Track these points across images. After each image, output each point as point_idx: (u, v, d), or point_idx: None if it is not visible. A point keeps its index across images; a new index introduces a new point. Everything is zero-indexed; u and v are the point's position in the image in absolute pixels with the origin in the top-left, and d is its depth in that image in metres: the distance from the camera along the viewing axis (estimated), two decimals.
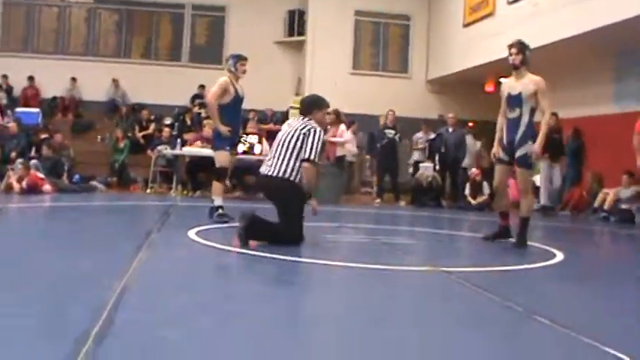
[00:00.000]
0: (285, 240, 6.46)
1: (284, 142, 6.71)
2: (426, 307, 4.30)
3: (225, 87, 8.85)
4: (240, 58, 9.11)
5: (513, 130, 7.69)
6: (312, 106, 6.99)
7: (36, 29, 20.61)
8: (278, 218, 6.66)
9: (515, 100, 7.72)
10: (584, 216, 14.40)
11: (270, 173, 6.67)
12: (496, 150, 7.85)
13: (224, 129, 8.67)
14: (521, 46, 7.81)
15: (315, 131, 6.67)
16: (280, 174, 6.59)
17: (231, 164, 9.18)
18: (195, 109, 18.86)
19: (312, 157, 6.57)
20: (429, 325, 3.80)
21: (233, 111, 8.92)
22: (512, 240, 7.76)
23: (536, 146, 7.51)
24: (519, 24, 15.65)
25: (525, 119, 7.63)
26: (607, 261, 8.09)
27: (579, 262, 7.13)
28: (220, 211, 8.72)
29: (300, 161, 6.58)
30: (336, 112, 15.16)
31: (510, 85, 7.87)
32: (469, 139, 16.70)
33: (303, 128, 6.69)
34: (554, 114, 13.14)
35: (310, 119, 6.83)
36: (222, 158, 8.86)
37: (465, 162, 16.25)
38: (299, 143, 6.62)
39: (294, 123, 6.87)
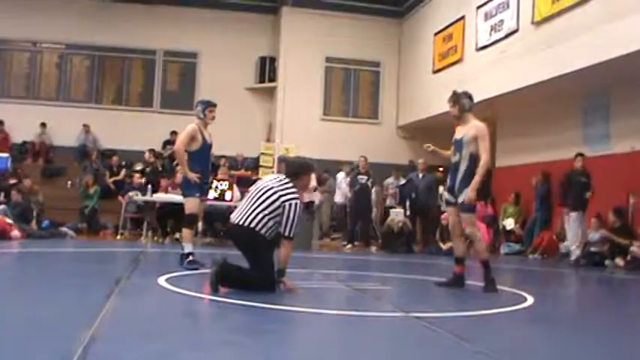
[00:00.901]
0: (258, 287, 6.41)
1: (259, 195, 6.62)
2: (398, 354, 4.28)
3: (192, 134, 8.86)
4: (209, 105, 9.13)
5: (454, 174, 7.89)
6: (300, 170, 6.91)
7: (7, 74, 20.57)
8: (249, 266, 6.62)
9: (457, 145, 7.93)
10: (554, 259, 14.49)
11: (238, 222, 6.61)
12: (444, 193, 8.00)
13: (192, 176, 8.67)
14: (455, 97, 8.01)
15: (294, 205, 6.53)
16: (247, 223, 6.51)
17: (200, 211, 9.17)
18: (165, 153, 18.85)
19: (290, 234, 6.51)
20: None
21: (202, 158, 8.93)
22: (481, 284, 7.80)
23: (469, 190, 7.59)
24: (488, 70, 15.92)
25: (464, 164, 7.77)
26: (577, 305, 8.13)
27: (549, 306, 7.16)
28: (191, 257, 8.66)
29: (269, 219, 6.50)
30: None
31: (457, 130, 8.06)
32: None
33: (284, 196, 6.55)
34: (580, 154, 13.31)
35: (294, 185, 6.69)
36: (191, 205, 8.84)
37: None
38: (274, 206, 6.51)
39: (276, 182, 6.70)
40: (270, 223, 6.53)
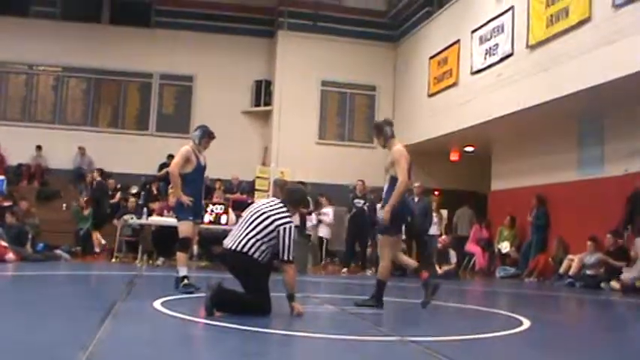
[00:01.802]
0: (253, 310, 6.39)
1: (252, 219, 6.62)
2: None
3: (187, 156, 8.85)
4: (208, 135, 9.12)
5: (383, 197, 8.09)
6: (299, 202, 7.22)
7: (3, 96, 20.60)
8: (244, 290, 6.60)
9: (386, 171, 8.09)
10: (550, 282, 14.50)
11: (231, 247, 6.59)
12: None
13: (185, 199, 8.65)
14: (378, 129, 8.13)
15: (288, 229, 6.54)
16: (241, 248, 6.50)
17: (194, 234, 9.15)
18: (159, 173, 18.88)
19: (290, 257, 6.51)
20: None
21: (196, 180, 8.92)
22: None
23: (384, 212, 7.77)
24: (483, 93, 15.99)
25: (386, 187, 7.98)
26: (573, 328, 8.11)
27: (545, 330, 7.14)
28: (186, 281, 8.63)
29: (262, 244, 6.50)
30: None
31: None
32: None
33: (278, 220, 6.55)
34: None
35: (288, 210, 6.72)
36: (185, 228, 8.82)
37: (432, 230, 16.33)
38: (268, 230, 6.51)
39: (269, 207, 6.71)
40: (264, 247, 6.53)
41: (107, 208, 17.87)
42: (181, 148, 9.09)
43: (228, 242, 6.68)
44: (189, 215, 8.78)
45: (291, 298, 6.61)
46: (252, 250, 6.50)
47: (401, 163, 7.85)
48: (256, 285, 6.53)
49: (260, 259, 6.53)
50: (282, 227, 6.52)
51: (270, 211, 6.63)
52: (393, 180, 7.84)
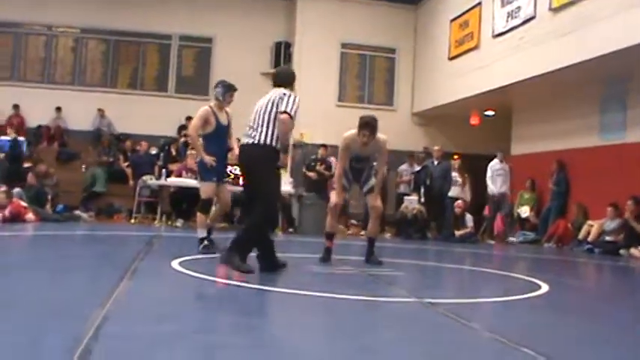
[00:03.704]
0: (258, 225, 6.51)
1: (262, 112, 6.70)
2: (411, 339, 4.25)
3: (205, 117, 8.75)
4: (230, 89, 8.99)
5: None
6: (289, 78, 7.09)
7: (22, 58, 20.57)
8: (254, 197, 6.66)
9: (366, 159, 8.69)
10: (569, 248, 14.43)
11: (250, 142, 6.68)
12: None
13: (208, 159, 8.59)
14: (372, 128, 8.28)
15: (291, 95, 6.64)
16: (258, 141, 6.59)
17: (226, 196, 9.07)
18: (182, 140, 18.87)
19: (289, 110, 6.51)
20: (414, 356, 3.76)
21: (217, 140, 8.80)
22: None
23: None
24: (504, 57, 15.80)
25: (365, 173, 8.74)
26: (591, 292, 8.08)
27: (564, 294, 7.11)
28: (206, 242, 8.65)
29: (274, 127, 6.59)
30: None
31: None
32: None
33: (279, 96, 6.67)
34: None
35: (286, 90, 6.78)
36: (207, 189, 8.77)
37: (451, 193, 16.29)
38: (274, 109, 6.60)
39: (271, 94, 6.80)
40: (273, 130, 6.61)
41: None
42: (200, 109, 9.02)
43: (245, 139, 6.80)
44: (213, 176, 8.71)
45: (283, 150, 6.66)
46: (269, 138, 6.58)
47: (386, 154, 8.61)
48: (266, 186, 6.57)
49: (271, 143, 6.59)
50: (285, 94, 6.65)
51: (276, 95, 6.73)
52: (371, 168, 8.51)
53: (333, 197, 8.46)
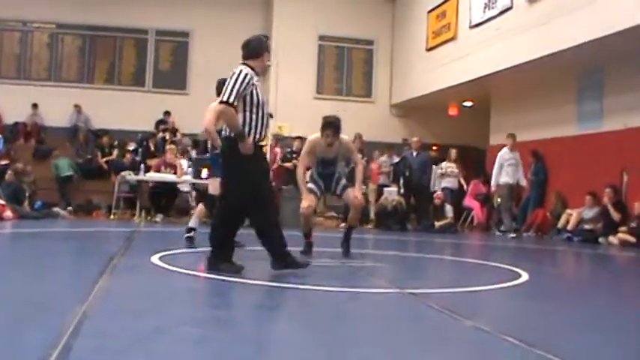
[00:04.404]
0: (221, 217, 6.26)
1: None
2: (393, 329, 4.25)
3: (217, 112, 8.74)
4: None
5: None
6: (257, 48, 6.43)
7: None
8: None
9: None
10: (548, 237, 14.52)
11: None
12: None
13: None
14: (336, 129, 8.32)
15: (234, 74, 6.00)
16: (223, 134, 6.20)
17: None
18: (160, 135, 18.79)
19: (224, 97, 5.88)
20: (396, 346, 3.75)
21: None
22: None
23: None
24: (481, 48, 15.86)
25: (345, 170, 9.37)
26: (570, 280, 8.14)
27: (544, 282, 7.16)
28: (192, 234, 8.65)
29: (244, 113, 6.03)
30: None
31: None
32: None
33: (232, 72, 6.07)
34: None
35: (249, 65, 6.19)
36: (217, 186, 8.77)
37: (448, 184, 16.54)
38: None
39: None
40: (242, 115, 6.05)
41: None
42: (210, 104, 8.97)
43: None
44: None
45: (240, 138, 5.94)
46: (224, 128, 6.17)
47: (356, 152, 8.91)
48: (232, 179, 6.16)
49: (229, 132, 6.07)
50: (232, 73, 6.02)
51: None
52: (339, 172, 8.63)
53: (303, 202, 8.26)
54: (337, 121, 8.27)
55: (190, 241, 8.56)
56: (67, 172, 16.96)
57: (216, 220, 6.35)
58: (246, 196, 6.06)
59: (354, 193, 8.40)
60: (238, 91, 5.90)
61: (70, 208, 15.75)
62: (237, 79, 5.93)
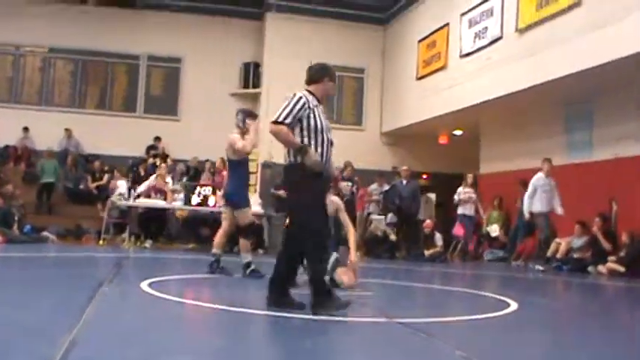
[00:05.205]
0: (313, 257, 5.81)
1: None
2: (383, 359, 4.25)
3: (235, 142, 8.83)
4: (250, 115, 9.03)
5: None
6: (320, 73, 6.23)
7: None
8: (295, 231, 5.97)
9: None
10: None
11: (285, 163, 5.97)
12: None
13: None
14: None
15: (291, 96, 5.90)
16: (289, 158, 5.91)
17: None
18: (150, 160, 18.78)
19: (276, 117, 5.79)
20: None
21: (245, 166, 8.89)
22: None
23: None
24: (472, 77, 15.96)
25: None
26: (560, 310, 8.14)
27: (533, 312, 7.16)
28: (253, 267, 8.64)
29: (301, 138, 5.85)
30: None
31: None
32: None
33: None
34: None
35: (310, 91, 6.07)
36: (246, 216, 8.79)
37: (466, 211, 16.30)
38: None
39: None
40: (300, 139, 5.84)
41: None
42: (229, 135, 9.03)
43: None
44: (249, 203, 8.81)
45: (302, 151, 5.75)
46: (286, 154, 5.90)
47: (344, 211, 8.62)
48: (301, 215, 5.86)
49: (294, 158, 5.83)
50: (289, 96, 5.90)
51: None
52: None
53: None
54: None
55: (256, 272, 8.58)
56: (50, 177, 17.33)
57: (311, 261, 5.90)
58: (323, 218, 5.89)
59: (350, 258, 8.17)
60: (291, 113, 5.79)
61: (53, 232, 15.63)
62: (290, 102, 5.84)
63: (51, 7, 20.39)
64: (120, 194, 15.68)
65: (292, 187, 6.00)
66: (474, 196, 16.39)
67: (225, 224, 9.13)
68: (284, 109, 5.79)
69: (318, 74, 6.20)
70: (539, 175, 13.83)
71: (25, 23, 20.12)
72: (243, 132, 8.91)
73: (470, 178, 16.58)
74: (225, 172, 17.29)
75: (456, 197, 16.42)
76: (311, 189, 5.77)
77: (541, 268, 13.48)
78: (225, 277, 8.64)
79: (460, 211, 16.38)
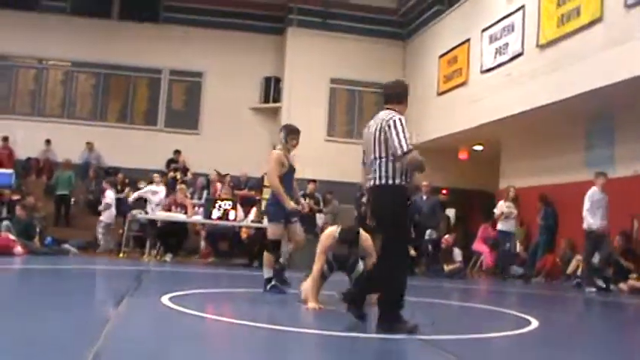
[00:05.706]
0: (383, 283, 5.91)
1: (375, 142, 5.93)
2: None
3: (280, 160, 8.78)
4: (292, 132, 9.01)
5: None
6: (399, 94, 6.24)
7: (13, 90, 20.62)
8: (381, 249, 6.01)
9: None
10: (558, 283, 14.43)
11: (376, 182, 5.89)
12: None
13: (291, 205, 8.57)
14: None
15: (392, 122, 5.80)
16: (381, 180, 5.84)
17: (295, 235, 9.03)
18: (170, 174, 18.86)
19: (405, 149, 5.67)
20: None
21: (288, 182, 8.87)
22: None
23: None
24: (492, 93, 15.93)
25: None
26: (580, 328, 8.09)
27: (553, 329, 7.11)
28: (273, 282, 8.63)
29: (385, 161, 5.81)
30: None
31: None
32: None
33: (384, 121, 5.87)
34: None
35: (394, 110, 6.02)
36: (276, 230, 8.76)
37: (505, 227, 15.55)
38: (383, 135, 5.84)
39: (377, 117, 6.07)
40: (390, 165, 5.82)
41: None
42: (272, 152, 9.06)
43: (368, 181, 6.05)
44: (281, 217, 8.72)
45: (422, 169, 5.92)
46: (383, 172, 5.83)
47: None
48: (393, 236, 5.83)
49: (391, 181, 5.82)
50: (387, 124, 5.81)
51: (376, 126, 5.98)
52: None
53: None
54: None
55: (276, 288, 8.56)
56: (64, 189, 17.56)
57: (389, 278, 5.97)
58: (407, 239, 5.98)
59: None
60: (406, 136, 5.77)
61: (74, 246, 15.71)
62: (401, 127, 5.78)
63: (74, 21, 20.63)
64: (107, 204, 16.18)
65: (389, 208, 5.90)
66: (515, 211, 15.61)
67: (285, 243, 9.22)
68: (403, 137, 5.74)
69: (403, 94, 6.26)
70: (594, 189, 13.03)
71: (48, 37, 20.36)
72: (287, 149, 8.93)
73: (512, 191, 15.94)
74: (218, 185, 17.51)
75: (496, 211, 15.67)
76: (407, 211, 6.02)
77: (593, 289, 12.69)
78: (254, 292, 8.63)
79: (499, 227, 15.59)
